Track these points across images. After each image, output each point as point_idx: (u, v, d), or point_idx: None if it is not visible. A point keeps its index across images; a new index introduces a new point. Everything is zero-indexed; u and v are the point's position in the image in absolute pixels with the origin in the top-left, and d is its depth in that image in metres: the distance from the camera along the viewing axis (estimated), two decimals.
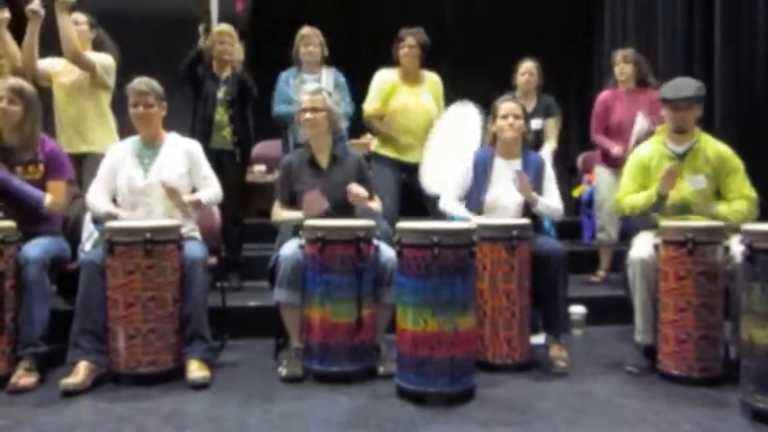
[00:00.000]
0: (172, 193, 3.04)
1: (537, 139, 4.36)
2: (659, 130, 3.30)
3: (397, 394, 2.70)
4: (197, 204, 3.14)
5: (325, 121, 3.22)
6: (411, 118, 4.05)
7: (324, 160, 3.27)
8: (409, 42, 4.01)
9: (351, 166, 3.27)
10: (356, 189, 3.13)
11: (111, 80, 3.95)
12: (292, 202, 3.23)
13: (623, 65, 4.27)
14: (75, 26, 3.84)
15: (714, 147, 3.19)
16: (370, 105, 4.10)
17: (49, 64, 3.94)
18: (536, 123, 4.41)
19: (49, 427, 2.38)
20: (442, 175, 3.72)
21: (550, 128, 4.54)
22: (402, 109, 4.04)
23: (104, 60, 3.91)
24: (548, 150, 4.38)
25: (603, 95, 4.39)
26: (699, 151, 3.17)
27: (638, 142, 3.79)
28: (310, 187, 3.14)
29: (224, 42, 4.10)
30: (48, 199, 3.05)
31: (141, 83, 3.13)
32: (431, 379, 2.61)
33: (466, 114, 3.97)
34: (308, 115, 3.19)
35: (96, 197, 3.12)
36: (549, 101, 4.59)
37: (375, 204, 3.29)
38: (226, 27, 4.18)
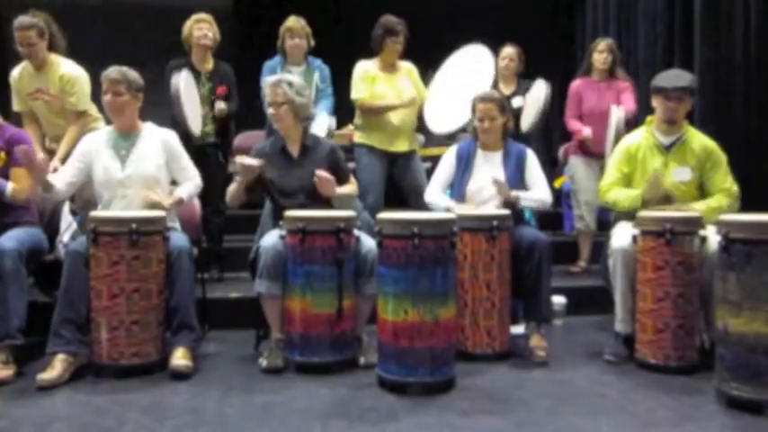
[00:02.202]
0: (155, 204, 3.02)
1: (519, 117, 4.35)
2: (648, 121, 3.31)
3: (378, 384, 2.71)
4: (179, 203, 3.13)
5: (290, 113, 3.17)
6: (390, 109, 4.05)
7: (295, 149, 3.24)
8: (401, 38, 4.00)
9: (322, 154, 3.24)
10: (322, 173, 3.09)
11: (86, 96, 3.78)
12: (260, 187, 3.21)
13: (607, 54, 4.36)
14: (28, 48, 3.55)
15: (700, 140, 3.21)
16: (358, 91, 4.04)
17: (23, 104, 3.74)
18: (517, 101, 4.43)
19: (26, 420, 2.36)
20: (448, 114, 3.82)
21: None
22: (381, 98, 4.03)
23: (79, 92, 3.70)
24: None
25: (576, 84, 4.49)
26: (686, 144, 3.19)
27: (617, 134, 3.82)
28: (281, 176, 3.15)
29: (202, 29, 4.05)
30: (9, 187, 3.00)
31: (114, 71, 3.07)
32: (411, 369, 2.62)
33: (478, 56, 4.00)
34: (270, 111, 3.17)
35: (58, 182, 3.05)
36: (528, 83, 4.59)
37: (349, 188, 3.27)
38: (203, 14, 4.14)
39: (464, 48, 4.21)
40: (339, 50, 4.42)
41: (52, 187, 2.98)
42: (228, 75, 4.21)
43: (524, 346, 3.16)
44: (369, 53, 4.13)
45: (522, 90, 4.53)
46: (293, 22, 4.25)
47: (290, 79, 3.21)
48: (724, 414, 2.44)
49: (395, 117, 4.05)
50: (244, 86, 4.33)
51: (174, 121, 3.95)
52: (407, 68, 4.18)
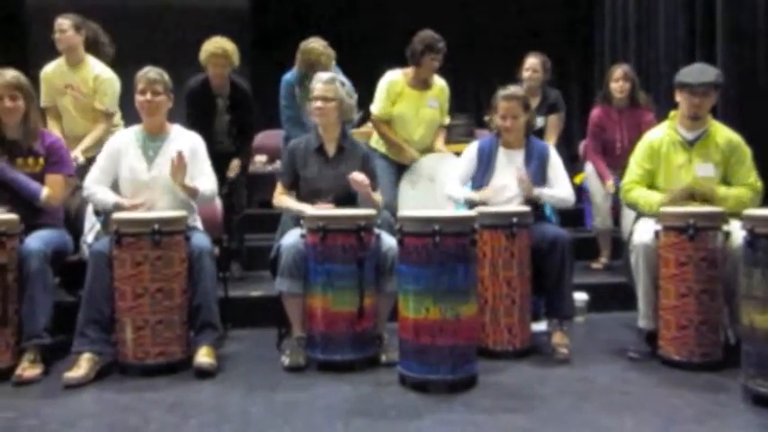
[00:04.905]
0: (180, 167, 3.00)
1: (538, 137, 4.32)
2: (671, 116, 3.26)
3: (400, 382, 2.71)
4: (194, 193, 3.11)
5: (335, 111, 3.18)
6: (409, 128, 4.04)
7: (331, 149, 3.25)
8: (441, 56, 3.93)
9: (357, 158, 3.25)
10: (358, 176, 3.11)
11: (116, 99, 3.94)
12: (295, 186, 3.23)
13: (623, 82, 4.24)
14: (60, 34, 3.79)
15: (725, 134, 3.16)
16: (380, 109, 4.02)
17: (50, 99, 3.91)
18: (538, 121, 4.38)
19: (54, 418, 2.40)
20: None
21: (552, 125, 4.50)
22: (399, 118, 4.02)
23: (111, 94, 3.89)
24: None
25: (597, 114, 4.37)
26: (709, 139, 3.14)
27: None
28: (315, 174, 3.18)
29: (216, 65, 3.95)
30: (44, 192, 3.04)
31: (152, 71, 3.11)
32: (433, 367, 2.62)
33: (442, 165, 3.94)
34: (318, 104, 3.16)
35: (97, 186, 3.10)
36: (554, 96, 4.55)
37: (377, 197, 3.27)
38: (218, 46, 3.94)
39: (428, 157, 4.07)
40: (359, 58, 4.38)
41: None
42: (245, 99, 4.13)
43: (546, 343, 3.15)
44: (391, 58, 4.09)
45: (545, 106, 4.47)
46: (317, 46, 4.00)
47: (343, 80, 3.25)
48: (750, 411, 2.42)
49: (416, 134, 4.05)
50: (261, 87, 4.33)
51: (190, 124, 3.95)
52: (440, 87, 4.11)
